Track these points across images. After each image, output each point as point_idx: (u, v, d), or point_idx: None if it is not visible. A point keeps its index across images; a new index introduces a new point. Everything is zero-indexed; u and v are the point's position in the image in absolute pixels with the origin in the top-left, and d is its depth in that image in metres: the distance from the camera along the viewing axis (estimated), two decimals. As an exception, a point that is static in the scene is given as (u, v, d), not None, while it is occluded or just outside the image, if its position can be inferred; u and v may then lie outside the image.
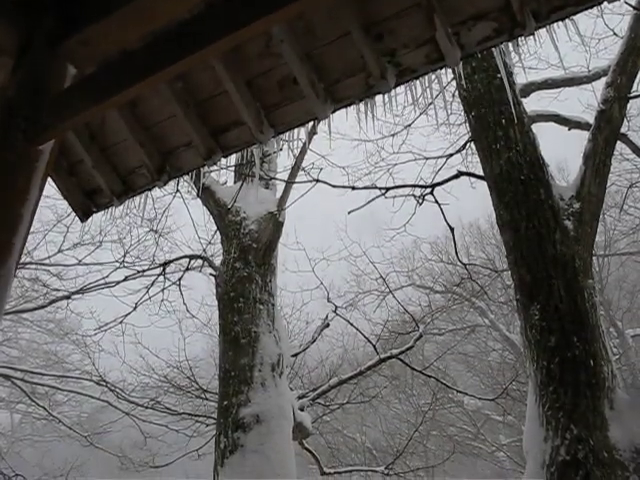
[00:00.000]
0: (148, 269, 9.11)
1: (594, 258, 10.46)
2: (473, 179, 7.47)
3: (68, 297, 12.40)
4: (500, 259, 19.26)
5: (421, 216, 8.87)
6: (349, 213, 6.87)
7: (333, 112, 2.97)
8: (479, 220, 22.58)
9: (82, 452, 13.65)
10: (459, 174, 6.78)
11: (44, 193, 2.89)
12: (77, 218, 3.83)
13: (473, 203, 15.39)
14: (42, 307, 13.71)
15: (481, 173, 6.08)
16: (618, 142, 6.60)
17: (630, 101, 6.28)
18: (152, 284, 8.56)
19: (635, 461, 4.43)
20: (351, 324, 7.71)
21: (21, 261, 12.48)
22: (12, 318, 20.87)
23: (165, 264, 8.36)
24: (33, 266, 13.80)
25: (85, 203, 3.74)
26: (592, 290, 5.14)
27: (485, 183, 5.85)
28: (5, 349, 21.41)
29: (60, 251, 13.15)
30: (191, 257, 8.08)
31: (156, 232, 11.17)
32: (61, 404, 16.41)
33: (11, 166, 2.76)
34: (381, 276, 9.79)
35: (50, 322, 21.39)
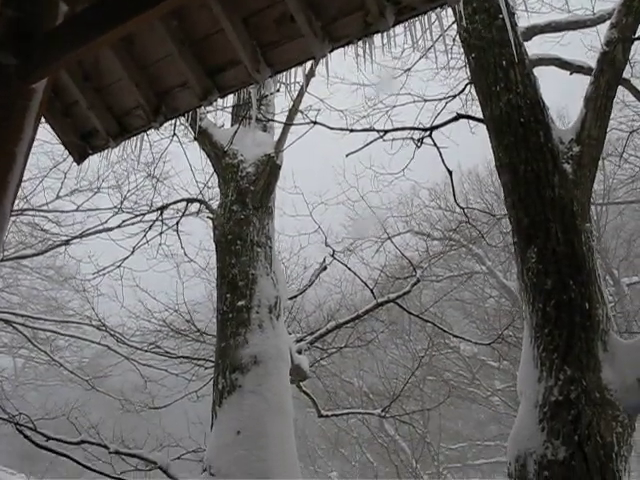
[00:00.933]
0: (146, 213, 9.12)
1: (592, 206, 10.40)
2: (472, 123, 7.41)
3: (67, 243, 12.44)
4: (499, 206, 19.24)
5: (420, 161, 8.83)
6: (347, 156, 6.84)
7: (331, 51, 2.92)
8: (478, 167, 22.51)
9: (84, 396, 13.85)
10: (458, 116, 6.73)
11: (41, 138, 2.87)
12: (74, 164, 3.82)
13: (472, 151, 15.32)
14: (41, 253, 13.75)
15: (480, 117, 6.02)
16: (620, 89, 6.51)
17: (635, 46, 6.17)
18: (150, 228, 8.57)
19: (625, 400, 4.51)
20: (349, 268, 7.74)
21: (19, 207, 12.47)
22: (12, 265, 20.96)
23: (163, 208, 8.35)
24: (31, 212, 13.77)
25: (81, 145, 3.72)
26: (589, 234, 5.15)
27: (484, 128, 5.80)
28: (5, 295, 21.58)
29: (58, 197, 13.11)
30: (188, 200, 8.07)
31: (154, 177, 11.13)
32: (62, 349, 16.61)
33: (3, 105, 2.73)
34: (379, 221, 9.77)
35: (49, 269, 21.50)
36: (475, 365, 21.77)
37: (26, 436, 5.02)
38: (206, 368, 9.40)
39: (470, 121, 7.66)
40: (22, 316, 14.75)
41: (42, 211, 13.61)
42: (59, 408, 8.56)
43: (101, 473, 5.20)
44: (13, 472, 32.46)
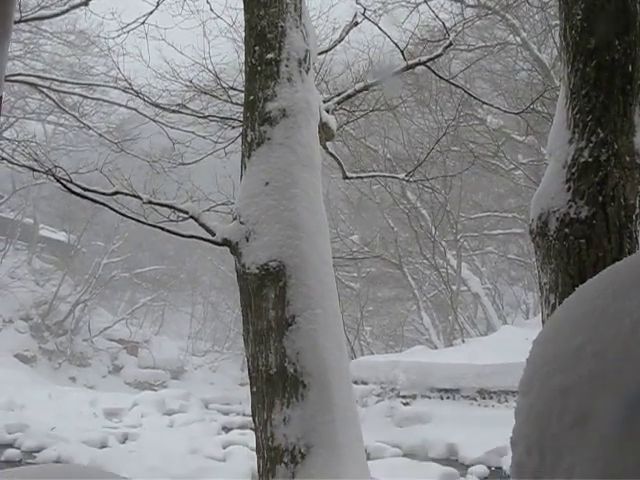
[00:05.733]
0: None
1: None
2: None
3: (86, 2, 11.91)
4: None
5: None
6: None
7: None
8: None
9: (113, 161, 14.18)
10: None
11: None
12: None
13: None
14: (61, 14, 13.19)
15: None
16: None
17: None
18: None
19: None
20: (379, 28, 7.37)
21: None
22: (31, 30, 20.46)
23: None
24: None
25: None
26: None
27: None
28: (28, 62, 21.37)
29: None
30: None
31: None
32: (90, 115, 16.71)
33: None
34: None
35: (70, 34, 21.02)
36: (500, 138, 21.70)
37: (65, 186, 5.17)
38: (233, 127, 9.40)
39: None
40: (48, 79, 14.66)
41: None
42: (92, 163, 8.78)
43: (137, 220, 5.43)
44: (54, 230, 34.58)
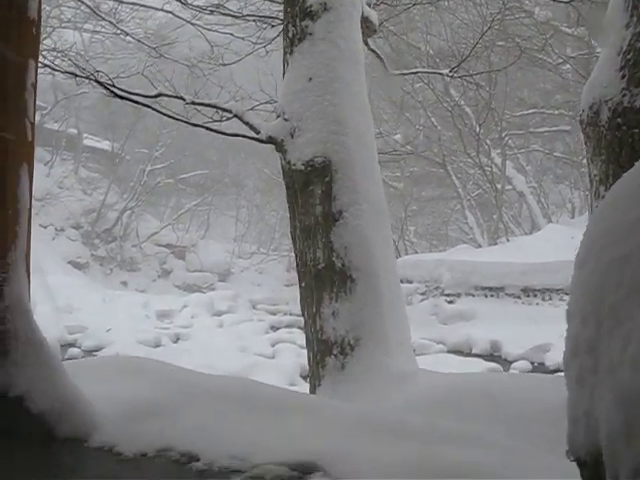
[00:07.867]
0: None
1: None
2: None
3: None
4: None
5: None
6: None
7: None
8: None
9: (153, 64, 14.03)
10: None
11: None
12: None
13: None
14: None
15: None
16: None
17: None
18: None
19: None
20: None
21: None
22: None
23: None
24: None
25: None
26: None
27: None
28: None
29: None
30: None
31: None
32: (126, 21, 16.48)
33: None
34: None
35: None
36: (548, 31, 20.75)
37: (108, 89, 5.18)
38: (272, 26, 9.16)
39: None
40: (80, -20, 14.41)
41: None
42: (132, 68, 8.71)
43: (182, 120, 5.44)
44: (98, 139, 34.89)
